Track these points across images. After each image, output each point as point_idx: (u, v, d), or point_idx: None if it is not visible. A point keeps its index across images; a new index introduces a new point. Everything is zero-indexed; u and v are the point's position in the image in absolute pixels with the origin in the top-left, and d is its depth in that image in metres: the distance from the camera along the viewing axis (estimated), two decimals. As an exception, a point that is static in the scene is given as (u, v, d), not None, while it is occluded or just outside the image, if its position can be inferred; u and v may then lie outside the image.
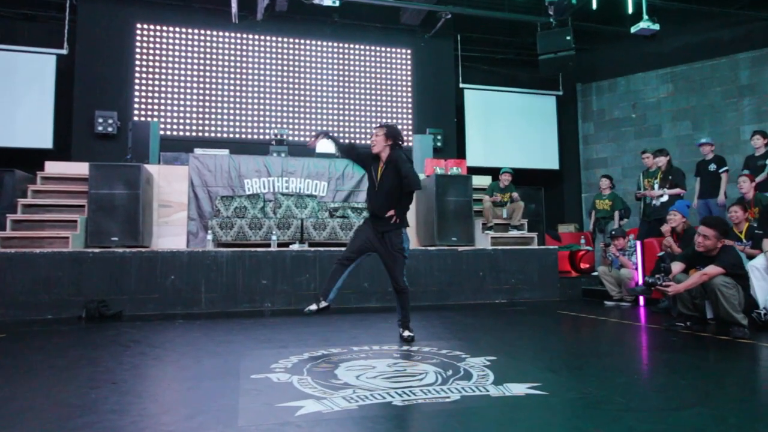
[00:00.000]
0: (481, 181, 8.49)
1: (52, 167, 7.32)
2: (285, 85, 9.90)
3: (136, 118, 8.85)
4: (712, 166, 7.11)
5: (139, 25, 9.21)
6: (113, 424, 2.16)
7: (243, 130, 9.62)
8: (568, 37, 9.23)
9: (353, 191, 8.26)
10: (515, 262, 7.00)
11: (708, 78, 9.74)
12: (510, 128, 10.85)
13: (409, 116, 10.51)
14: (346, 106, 10.20)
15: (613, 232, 6.75)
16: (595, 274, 7.29)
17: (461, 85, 10.67)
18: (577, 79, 11.25)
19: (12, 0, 8.76)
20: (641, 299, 6.27)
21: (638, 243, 6.38)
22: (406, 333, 3.91)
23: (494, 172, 8.54)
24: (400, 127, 10.37)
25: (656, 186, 6.85)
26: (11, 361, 3.54)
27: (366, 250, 3.93)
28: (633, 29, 8.44)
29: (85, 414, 2.28)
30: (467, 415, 2.23)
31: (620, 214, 7.83)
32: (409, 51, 10.56)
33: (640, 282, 6.15)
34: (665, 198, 6.71)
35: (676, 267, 4.45)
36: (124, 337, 4.37)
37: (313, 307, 3.88)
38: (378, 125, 3.97)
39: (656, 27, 8.29)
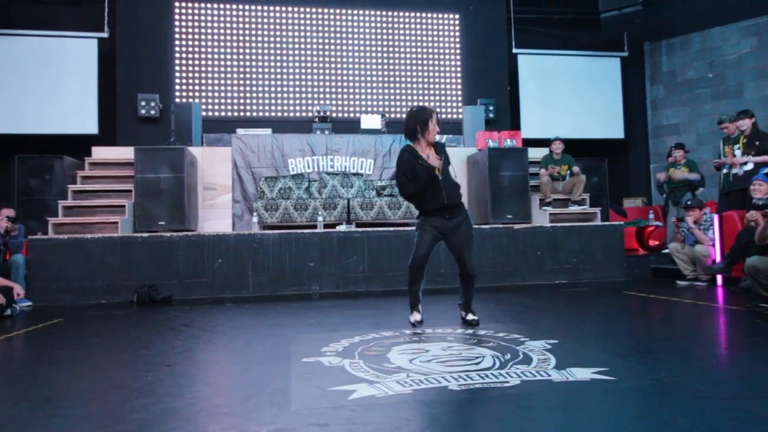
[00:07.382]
0: (538, 153, 8.28)
1: (98, 152, 7.69)
2: (326, 59, 9.93)
3: (177, 100, 9.14)
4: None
5: (177, 3, 9.44)
6: (169, 406, 2.29)
7: (285, 108, 9.75)
8: (635, -9, 8.81)
9: (401, 168, 8.24)
10: (576, 239, 6.87)
11: (798, 29, 9.07)
12: (569, 95, 10.54)
13: (459, 86, 10.34)
14: (391, 78, 10.13)
15: (689, 203, 6.46)
16: (666, 251, 7.05)
17: (514, 51, 10.36)
18: (644, 38, 10.71)
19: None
20: (719, 278, 6.01)
21: (716, 216, 6.09)
22: (471, 316, 3.93)
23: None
24: (449, 98, 10.27)
25: (738, 153, 6.46)
26: (70, 344, 3.80)
27: (432, 248, 3.89)
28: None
29: (142, 396, 2.43)
30: (528, 400, 2.22)
31: (695, 182, 7.40)
32: (457, 16, 10.35)
33: (718, 260, 5.91)
34: (750, 166, 6.28)
35: None
36: (175, 321, 4.60)
37: (418, 317, 3.91)
38: (424, 108, 3.94)
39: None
